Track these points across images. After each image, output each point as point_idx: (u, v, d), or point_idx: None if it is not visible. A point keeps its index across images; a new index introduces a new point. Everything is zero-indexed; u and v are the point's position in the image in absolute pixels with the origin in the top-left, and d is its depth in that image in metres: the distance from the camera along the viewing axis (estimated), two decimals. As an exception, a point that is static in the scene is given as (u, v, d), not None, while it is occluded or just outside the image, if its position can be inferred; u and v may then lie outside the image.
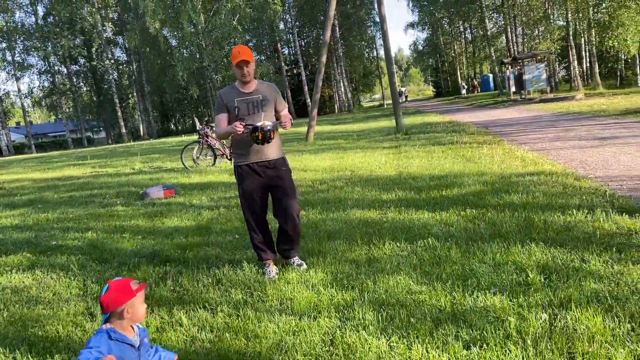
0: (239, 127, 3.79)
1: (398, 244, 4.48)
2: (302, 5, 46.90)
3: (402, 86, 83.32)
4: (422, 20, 53.89)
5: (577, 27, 27.30)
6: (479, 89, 49.60)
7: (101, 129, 57.73)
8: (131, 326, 2.05)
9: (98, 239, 5.85)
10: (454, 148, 10.46)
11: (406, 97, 61.92)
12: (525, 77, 25.42)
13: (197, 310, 3.52)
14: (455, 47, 56.92)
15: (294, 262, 4.22)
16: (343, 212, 5.90)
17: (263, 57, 51.34)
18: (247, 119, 3.93)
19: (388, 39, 14.65)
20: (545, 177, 6.57)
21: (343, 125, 24.75)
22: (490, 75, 45.19)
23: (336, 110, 49.50)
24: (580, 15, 26.45)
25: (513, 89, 27.62)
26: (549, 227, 4.46)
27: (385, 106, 49.40)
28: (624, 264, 3.51)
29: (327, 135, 18.01)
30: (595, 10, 23.13)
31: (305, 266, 4.16)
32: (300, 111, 46.30)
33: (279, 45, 45.80)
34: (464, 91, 49.03)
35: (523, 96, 26.41)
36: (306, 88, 41.57)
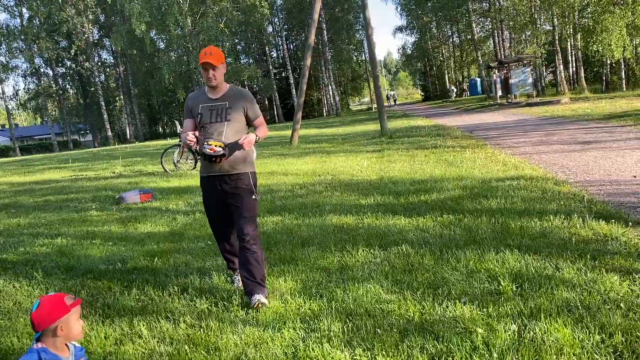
0: (190, 139, 3.44)
1: (372, 250, 4.38)
2: (290, 9, 46.87)
3: (391, 90, 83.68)
4: (410, 24, 54.07)
5: (563, 31, 27.48)
6: (468, 92, 49.83)
7: (88, 131, 57.15)
8: (66, 344, 1.92)
9: (67, 245, 5.68)
10: (436, 152, 10.40)
11: (395, 100, 62.05)
12: (512, 81, 25.54)
13: (159, 320, 3.39)
14: (443, 51, 57.16)
15: (253, 301, 3.44)
16: (320, 217, 5.80)
17: (251, 60, 51.28)
18: (208, 127, 3.57)
19: (372, 43, 14.60)
20: (525, 182, 6.51)
21: (329, 128, 24.68)
22: (478, 79, 45.41)
23: (324, 114, 49.46)
24: (566, 19, 26.61)
25: (500, 92, 27.74)
26: (525, 233, 4.38)
27: (373, 109, 49.33)
28: (598, 271, 3.44)
29: (313, 139, 17.91)
30: (580, 15, 23.34)
31: (264, 302, 3.45)
32: (288, 114, 46.14)
33: (266, 48, 45.63)
34: (453, 95, 49.24)
35: (509, 100, 26.52)
36: (294, 91, 41.46)
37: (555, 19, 27.59)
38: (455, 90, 51.04)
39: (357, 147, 13.24)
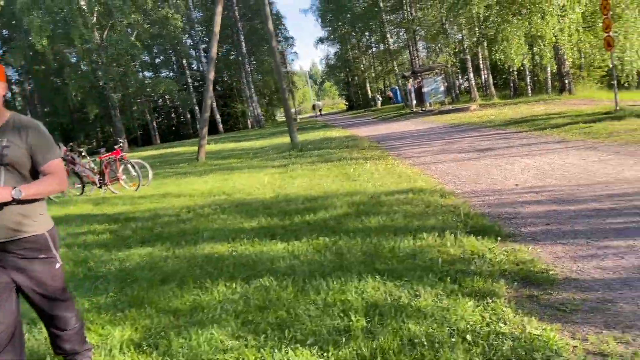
0: None
1: (233, 285, 4.00)
2: (208, 21, 46.01)
3: (317, 100, 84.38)
4: (331, 35, 54.75)
5: (470, 41, 28.66)
6: (393, 100, 50.99)
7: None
8: None
9: None
10: (339, 165, 10.23)
11: (320, 110, 62.45)
12: (425, 89, 26.24)
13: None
14: (364, 60, 58.29)
15: None
16: (193, 246, 5.35)
17: (172, 74, 49.91)
18: None
19: (277, 55, 14.38)
20: (412, 195, 6.38)
21: (248, 142, 24.19)
22: (397, 88, 46.60)
23: (249, 126, 48.87)
24: (473, 29, 27.69)
25: (414, 101, 28.41)
26: (395, 255, 4.16)
27: (298, 120, 49.42)
28: (455, 297, 3.24)
29: (225, 154, 17.38)
30: (484, 25, 24.37)
31: None
32: (210, 129, 45.02)
33: (185, 61, 44.49)
34: (379, 103, 50.26)
35: (424, 108, 27.21)
36: (215, 104, 40.63)
37: (463, 29, 28.70)
38: (380, 98, 52.15)
39: (265, 162, 12.88)
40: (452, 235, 4.44)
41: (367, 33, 49.40)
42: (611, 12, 13.55)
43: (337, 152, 12.79)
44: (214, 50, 14.54)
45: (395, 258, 4.09)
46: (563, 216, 4.75)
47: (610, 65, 13.78)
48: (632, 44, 17.44)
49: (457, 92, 37.14)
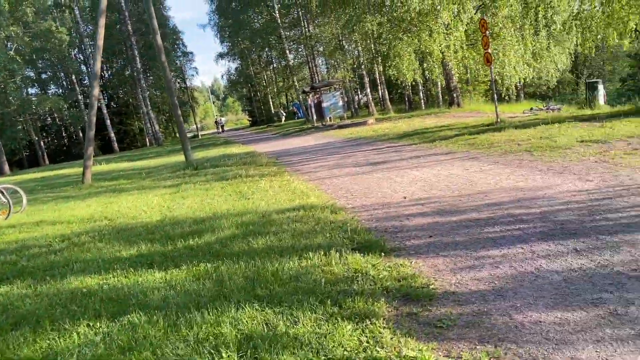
0: None
1: (97, 324, 3.57)
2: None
3: (220, 116, 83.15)
4: (231, 51, 54.26)
5: (366, 57, 29.61)
6: (298, 115, 51.33)
7: None
8: None
9: None
10: (234, 183, 9.91)
11: (222, 126, 61.42)
12: (324, 105, 26.61)
13: None
14: (265, 76, 58.36)
15: None
16: (60, 281, 4.79)
17: (61, 91, 46.80)
18: None
19: (167, 70, 13.82)
20: (303, 212, 6.23)
21: (142, 160, 23.05)
22: (299, 103, 47.06)
23: (147, 144, 46.89)
24: (371, 46, 28.66)
25: (315, 116, 28.74)
26: (278, 279, 3.95)
27: (200, 137, 48.28)
28: (334, 321, 3.08)
29: (114, 175, 16.33)
30: (377, 41, 25.31)
31: None
32: (105, 148, 42.70)
33: (74, 77, 41.82)
34: (283, 118, 50.38)
35: (324, 123, 27.58)
36: (108, 122, 38.53)
37: (359, 45, 29.57)
38: (284, 113, 52.34)
39: (157, 182, 12.22)
40: (338, 253, 4.32)
41: (266, 48, 49.51)
42: (489, 31, 14.54)
43: (234, 169, 12.44)
44: (98, 65, 13.65)
45: (277, 282, 3.88)
46: (445, 227, 4.83)
47: (491, 80, 14.72)
48: (510, 60, 18.87)
49: (357, 106, 38.18)
